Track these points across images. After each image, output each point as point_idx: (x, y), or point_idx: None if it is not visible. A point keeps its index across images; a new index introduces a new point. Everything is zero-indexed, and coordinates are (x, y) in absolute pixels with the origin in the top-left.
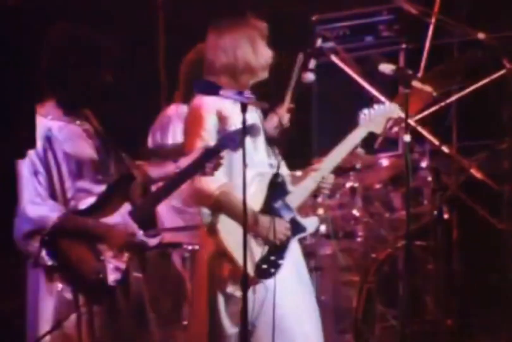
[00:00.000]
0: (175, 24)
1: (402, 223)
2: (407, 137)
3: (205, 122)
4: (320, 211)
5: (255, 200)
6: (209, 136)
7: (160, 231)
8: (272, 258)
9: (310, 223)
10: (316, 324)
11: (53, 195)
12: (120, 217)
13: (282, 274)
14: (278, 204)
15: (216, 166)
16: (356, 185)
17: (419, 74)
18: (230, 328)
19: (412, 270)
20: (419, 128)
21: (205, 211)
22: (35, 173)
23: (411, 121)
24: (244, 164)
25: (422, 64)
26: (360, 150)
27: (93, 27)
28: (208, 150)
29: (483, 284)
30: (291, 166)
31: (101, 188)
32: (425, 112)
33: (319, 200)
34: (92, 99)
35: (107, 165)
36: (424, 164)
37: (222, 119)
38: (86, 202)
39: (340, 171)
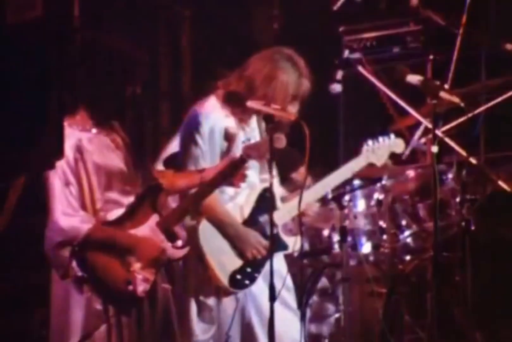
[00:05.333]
0: (201, 33)
1: (429, 234)
2: (434, 148)
3: (202, 129)
4: (347, 222)
5: (241, 211)
6: (203, 143)
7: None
8: (249, 270)
9: (293, 242)
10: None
11: (83, 206)
12: (148, 228)
13: (256, 289)
14: (263, 218)
15: (243, 178)
16: (383, 196)
17: (447, 86)
18: (201, 334)
19: (439, 282)
20: (447, 139)
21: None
22: (67, 184)
23: (439, 132)
24: (271, 175)
25: (450, 76)
26: (387, 161)
27: (118, 37)
28: (234, 161)
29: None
30: (317, 176)
31: (129, 199)
32: (453, 123)
33: (346, 211)
34: (122, 111)
35: (135, 176)
36: (451, 175)
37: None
38: (115, 213)
39: (367, 182)
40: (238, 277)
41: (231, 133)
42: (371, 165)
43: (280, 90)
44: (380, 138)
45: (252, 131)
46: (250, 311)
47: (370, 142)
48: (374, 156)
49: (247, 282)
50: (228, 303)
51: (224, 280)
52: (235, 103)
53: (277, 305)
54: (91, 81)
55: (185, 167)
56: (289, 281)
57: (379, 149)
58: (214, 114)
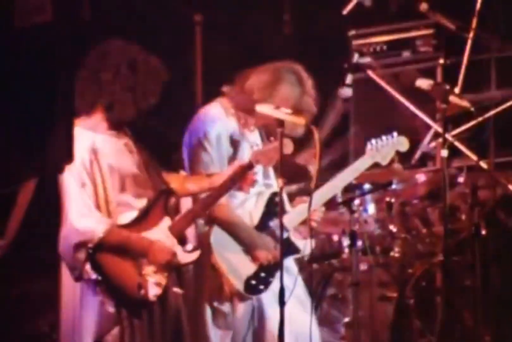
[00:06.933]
0: (212, 41)
1: (439, 239)
2: (444, 153)
3: (209, 135)
4: (357, 227)
5: (251, 217)
6: (212, 149)
7: (198, 246)
8: (263, 274)
9: (304, 245)
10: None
11: (97, 207)
12: (160, 231)
13: (270, 294)
14: (273, 223)
15: (252, 183)
16: (393, 200)
17: (457, 90)
18: (216, 339)
19: (449, 286)
20: (457, 144)
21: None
22: (82, 185)
23: (449, 137)
24: (282, 179)
25: (460, 80)
26: (398, 166)
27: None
28: (242, 166)
29: None
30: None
31: (141, 202)
32: (463, 127)
33: (356, 215)
34: (138, 117)
35: (147, 180)
36: (461, 179)
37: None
38: (126, 216)
39: (378, 186)
40: (253, 282)
41: (236, 139)
42: (376, 165)
43: (280, 102)
44: (384, 137)
45: (255, 137)
46: (265, 319)
47: (373, 141)
48: (379, 155)
49: (261, 287)
50: (242, 309)
51: (239, 286)
52: (239, 112)
53: (297, 307)
54: (114, 87)
55: (195, 173)
56: (301, 283)
57: (383, 148)
58: (219, 121)
